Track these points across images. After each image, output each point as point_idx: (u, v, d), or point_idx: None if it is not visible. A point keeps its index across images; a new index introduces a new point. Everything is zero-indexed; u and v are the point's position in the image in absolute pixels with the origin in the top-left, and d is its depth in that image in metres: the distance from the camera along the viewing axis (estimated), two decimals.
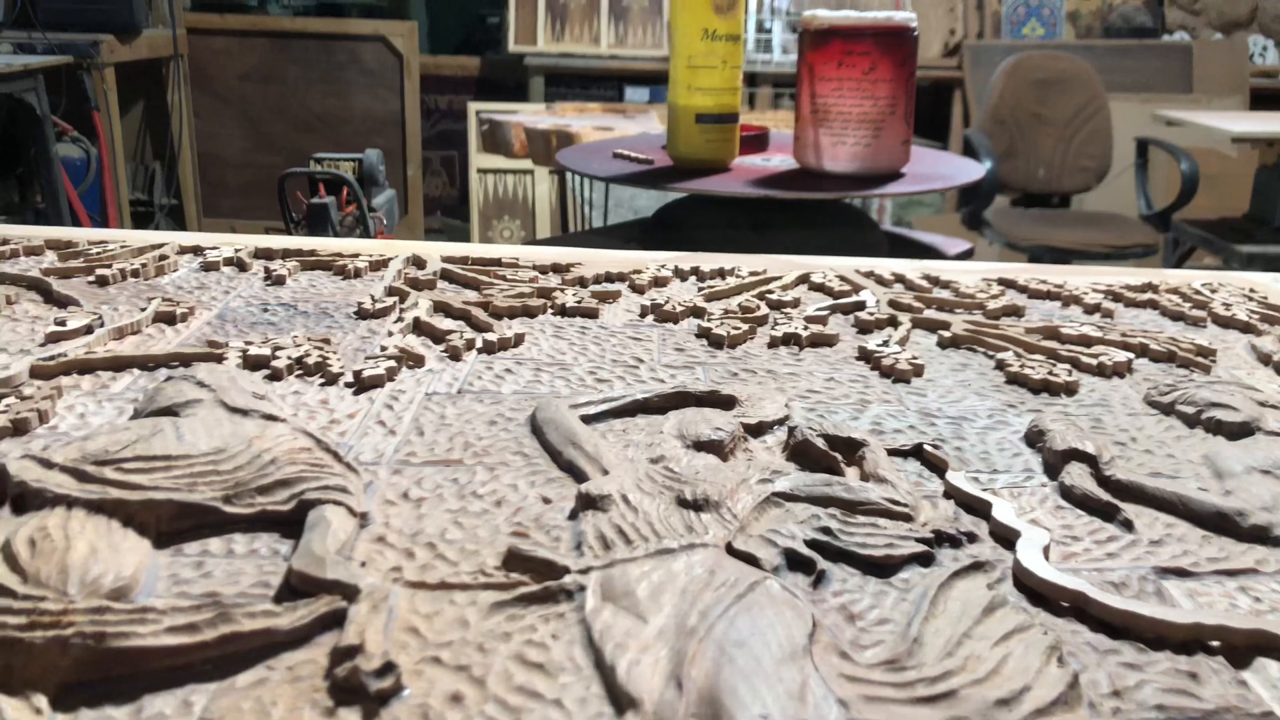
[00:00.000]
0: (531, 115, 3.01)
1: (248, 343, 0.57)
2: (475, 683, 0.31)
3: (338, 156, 2.84)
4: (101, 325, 0.58)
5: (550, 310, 0.66)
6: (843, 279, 0.73)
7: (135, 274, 0.68)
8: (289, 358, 0.55)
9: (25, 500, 0.38)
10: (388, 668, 0.30)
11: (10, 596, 0.31)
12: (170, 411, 0.46)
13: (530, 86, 4.19)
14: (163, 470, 0.40)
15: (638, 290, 0.71)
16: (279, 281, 0.69)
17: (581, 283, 0.72)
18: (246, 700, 0.30)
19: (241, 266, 0.72)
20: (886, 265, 0.76)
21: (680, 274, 0.74)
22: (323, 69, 4.25)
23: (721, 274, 0.74)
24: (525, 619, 0.34)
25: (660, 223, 1.20)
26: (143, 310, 0.61)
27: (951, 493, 0.44)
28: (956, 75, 3.90)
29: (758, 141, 1.22)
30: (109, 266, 0.68)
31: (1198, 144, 3.13)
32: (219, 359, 0.54)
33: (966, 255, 1.15)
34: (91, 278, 0.67)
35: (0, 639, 0.29)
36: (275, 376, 0.53)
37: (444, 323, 0.62)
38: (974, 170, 1.09)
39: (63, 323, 0.58)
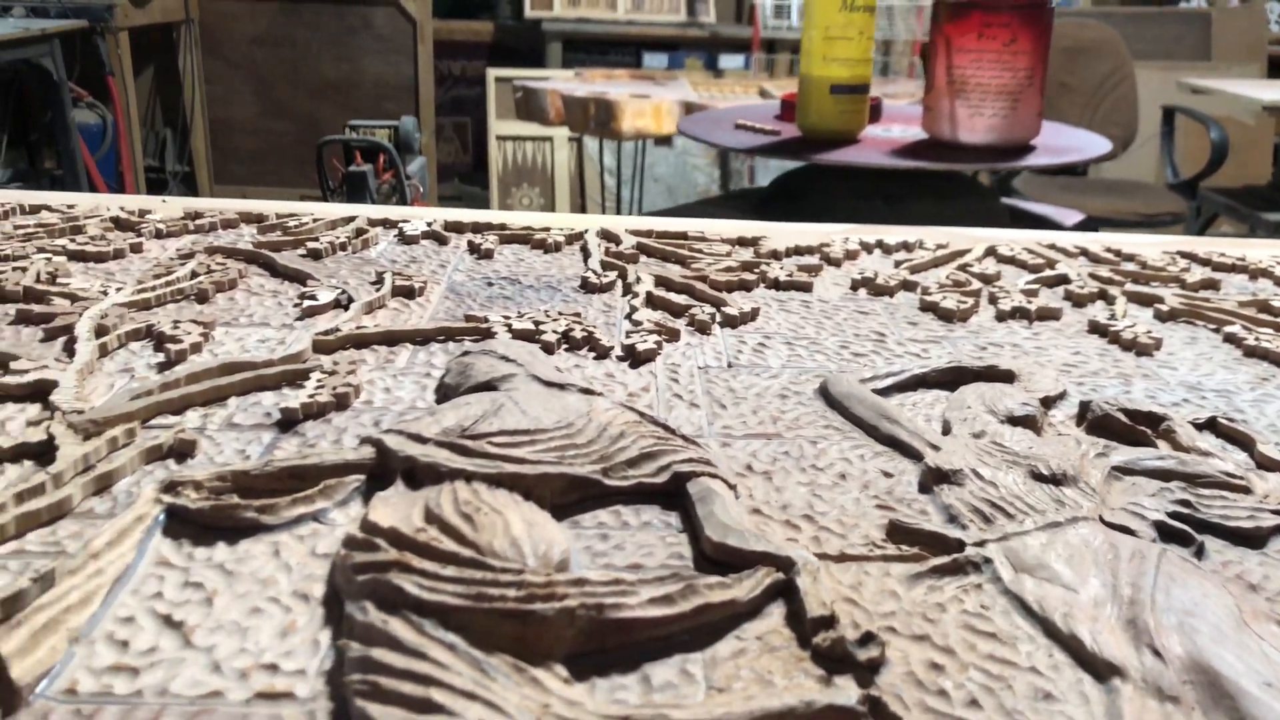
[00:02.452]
0: (563, 82, 2.99)
1: (504, 316, 0.57)
2: (944, 652, 0.32)
3: (373, 124, 2.82)
4: (349, 300, 0.59)
5: (763, 284, 0.66)
6: (1030, 251, 0.74)
7: (343, 247, 0.69)
8: (554, 331, 0.55)
9: (416, 475, 0.39)
10: (868, 637, 0.32)
11: (485, 569, 0.32)
12: (490, 386, 0.47)
13: (548, 52, 4.16)
14: (528, 444, 0.41)
15: (833, 263, 0.72)
16: (487, 255, 0.69)
17: (775, 256, 0.72)
18: (742, 669, 0.31)
19: (440, 240, 0.72)
20: (1066, 238, 0.77)
21: (866, 247, 0.75)
22: (334, 33, 4.21)
23: (906, 247, 0.75)
24: (945, 590, 0.35)
25: (782, 193, 1.21)
26: (374, 284, 0.62)
27: (1267, 465, 0.45)
28: None
29: (873, 112, 1.23)
30: (316, 240, 0.68)
31: (1215, 112, 3.14)
32: (487, 333, 0.55)
33: (1084, 225, 1.16)
34: (302, 251, 0.67)
35: (509, 611, 0.30)
36: (546, 350, 0.54)
37: (673, 297, 0.62)
38: (1100, 144, 1.11)
39: (313, 297, 0.58)
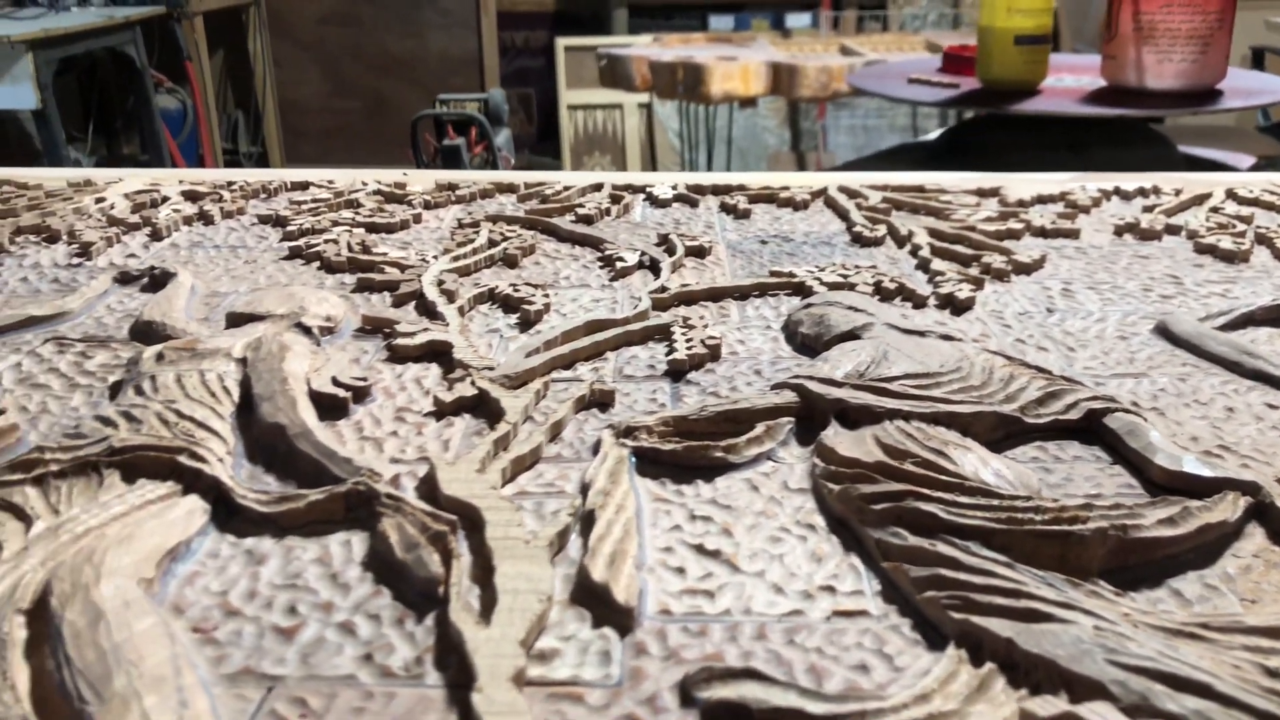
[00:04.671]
0: (645, 48, 2.99)
1: (808, 270, 0.59)
2: None
3: (463, 96, 2.84)
4: (653, 260, 0.61)
5: (1029, 233, 0.67)
6: (1270, 192, 0.74)
7: (606, 212, 0.71)
8: (864, 283, 0.57)
9: (849, 415, 0.41)
10: None
11: (996, 496, 0.34)
12: (852, 335, 0.49)
13: (614, 19, 4.15)
14: (933, 387, 0.43)
15: (1081, 210, 0.72)
16: (744, 216, 0.71)
17: (1021, 205, 0.73)
18: (1261, 582, 0.33)
19: (690, 203, 0.74)
20: None
21: (1104, 194, 0.76)
22: (399, 9, 4.22)
23: (1144, 193, 0.76)
24: None
25: (957, 144, 1.21)
26: (659, 245, 0.64)
27: None
28: None
29: None
30: (583, 206, 0.70)
31: None
32: (799, 287, 0.57)
33: (1257, 168, 1.16)
34: (572, 217, 0.69)
35: (1046, 533, 0.32)
36: None
37: (953, 247, 0.64)
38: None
39: (621, 259, 0.60)
